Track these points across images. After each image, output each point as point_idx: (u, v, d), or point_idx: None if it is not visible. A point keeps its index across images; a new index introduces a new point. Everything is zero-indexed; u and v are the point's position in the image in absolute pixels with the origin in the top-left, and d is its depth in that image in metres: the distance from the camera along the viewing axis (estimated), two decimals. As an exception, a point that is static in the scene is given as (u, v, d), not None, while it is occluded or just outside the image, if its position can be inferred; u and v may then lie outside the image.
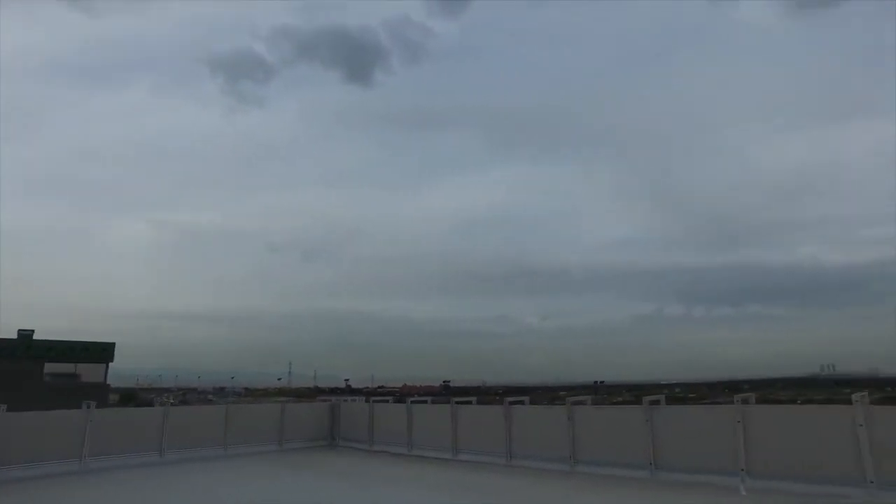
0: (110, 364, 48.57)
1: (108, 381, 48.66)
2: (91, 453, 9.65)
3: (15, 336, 45.72)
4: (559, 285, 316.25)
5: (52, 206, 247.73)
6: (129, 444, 10.42)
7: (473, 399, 12.01)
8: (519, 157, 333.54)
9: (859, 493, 6.42)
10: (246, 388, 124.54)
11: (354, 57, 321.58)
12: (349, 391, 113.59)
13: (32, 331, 46.23)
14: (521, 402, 10.79)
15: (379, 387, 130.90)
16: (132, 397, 59.23)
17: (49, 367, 45.71)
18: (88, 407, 9.89)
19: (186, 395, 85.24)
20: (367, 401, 14.44)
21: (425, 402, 12.82)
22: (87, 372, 46.70)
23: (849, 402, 7.03)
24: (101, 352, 48.57)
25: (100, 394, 38.44)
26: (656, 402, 8.74)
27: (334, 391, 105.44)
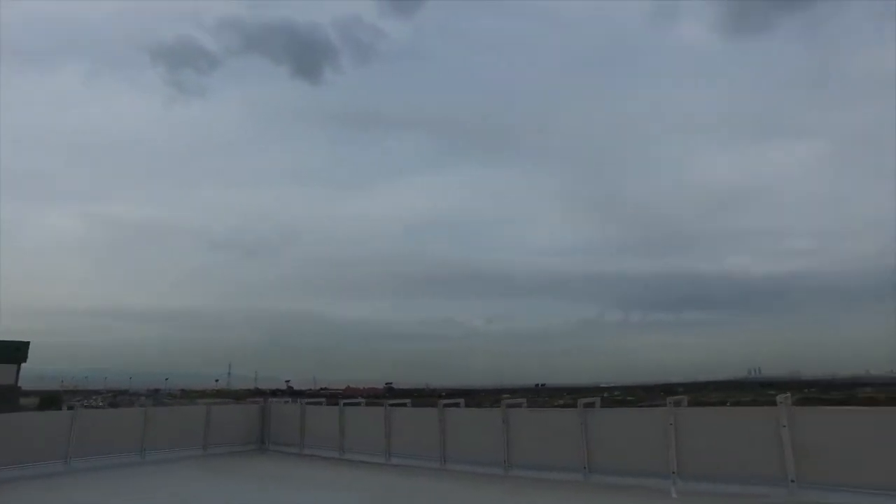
0: (26, 365, 45.27)
1: (19, 384, 45.32)
2: None
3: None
4: (504, 289, 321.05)
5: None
6: (29, 453, 9.53)
7: (408, 401, 11.68)
8: (467, 161, 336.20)
9: (781, 493, 6.55)
10: (182, 390, 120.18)
11: (303, 53, 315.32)
12: (290, 393, 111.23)
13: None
14: (457, 405, 10.56)
15: (321, 388, 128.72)
16: (55, 400, 55.63)
17: (-51, 369, 42.19)
18: None
19: (117, 398, 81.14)
20: (294, 401, 13.80)
21: (359, 404, 12.34)
22: (-5, 373, 43.30)
23: (773, 403, 7.17)
24: (14, 351, 45.27)
25: (9, 397, 35.76)
26: (591, 405, 8.70)
27: (275, 393, 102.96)
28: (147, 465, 10.50)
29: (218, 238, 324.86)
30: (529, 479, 8.55)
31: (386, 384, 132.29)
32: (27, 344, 44.99)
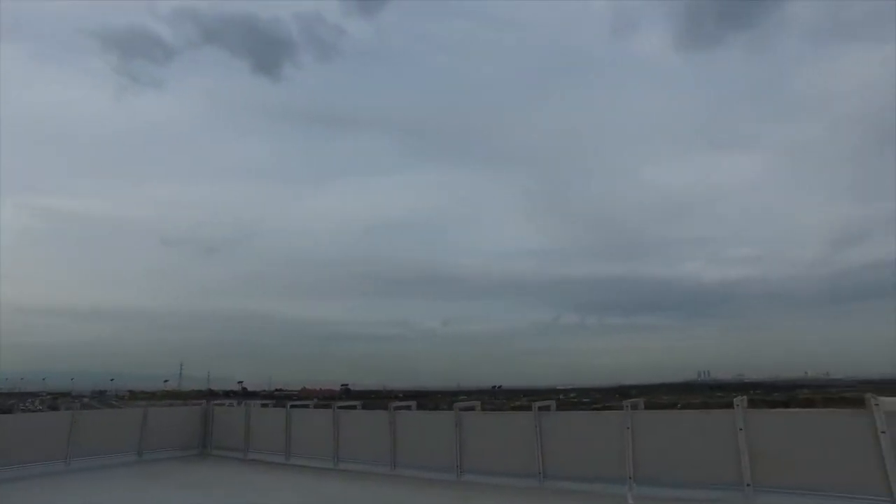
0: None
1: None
2: None
3: None
4: (461, 291, 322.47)
5: None
6: None
7: (358, 404, 11.40)
8: (427, 163, 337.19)
9: (737, 497, 6.59)
10: (130, 391, 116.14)
11: (264, 48, 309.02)
12: (244, 394, 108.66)
13: None
14: (408, 408, 10.39)
15: (277, 390, 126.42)
16: (-14, 404, 52.55)
17: None
18: None
19: (57, 400, 77.32)
20: (239, 404, 13.31)
21: (307, 406, 12.00)
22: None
23: (724, 405, 7.24)
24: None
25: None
26: (546, 408, 8.54)
27: (228, 394, 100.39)
28: (72, 473, 9.77)
29: (171, 235, 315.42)
30: (482, 484, 8.36)
31: (342, 385, 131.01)
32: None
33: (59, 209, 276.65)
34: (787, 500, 6.31)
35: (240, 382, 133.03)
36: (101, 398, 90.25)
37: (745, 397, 6.89)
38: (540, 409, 8.45)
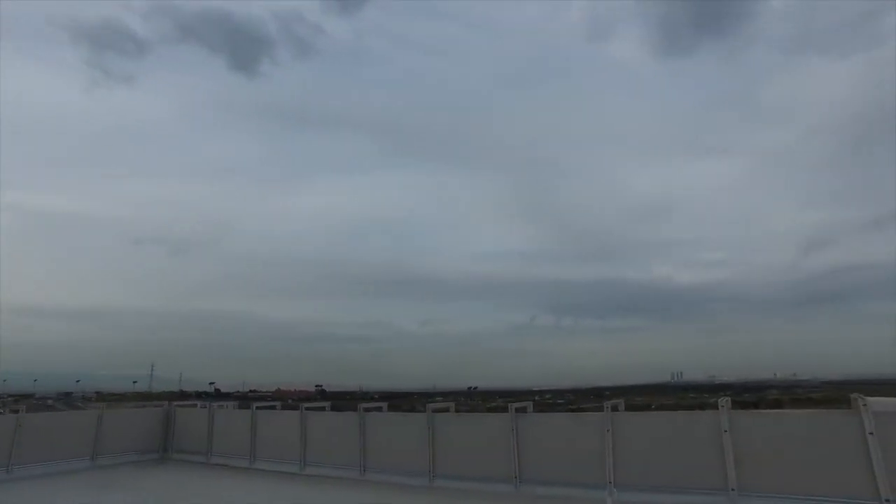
0: None
1: None
2: None
3: None
4: (438, 292, 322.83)
5: None
6: None
7: (327, 405, 10.96)
8: (404, 164, 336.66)
9: (722, 502, 6.38)
10: (98, 393, 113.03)
11: (241, 45, 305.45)
12: (217, 396, 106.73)
13: None
14: (379, 409, 10.00)
15: (251, 391, 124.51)
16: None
17: None
18: None
19: (18, 403, 74.66)
20: (203, 405, 12.71)
21: (273, 407, 11.50)
22: None
23: (702, 406, 7.01)
24: None
25: None
26: (523, 410, 8.24)
27: (200, 395, 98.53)
28: (13, 482, 9.07)
29: (143, 233, 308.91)
30: (456, 490, 8.02)
31: (317, 387, 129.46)
32: None
33: (25, 205, 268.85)
34: None
35: (212, 384, 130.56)
36: (67, 400, 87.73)
37: (729, 398, 6.66)
38: (517, 410, 8.13)
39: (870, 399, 5.85)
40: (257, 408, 11.00)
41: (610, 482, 7.07)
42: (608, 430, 7.27)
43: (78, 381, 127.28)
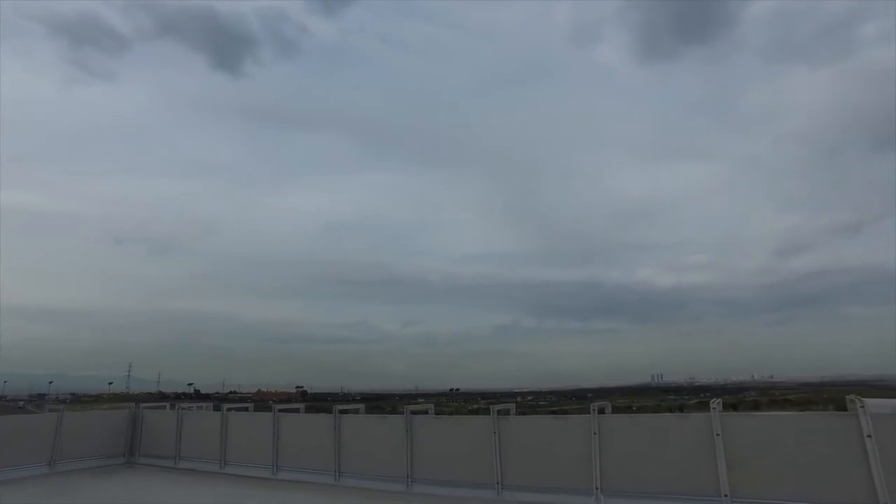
0: None
1: None
2: None
3: None
4: (421, 293, 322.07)
5: None
6: None
7: (301, 407, 10.56)
8: (388, 164, 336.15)
9: None
10: (72, 394, 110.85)
11: (223, 43, 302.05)
12: (196, 397, 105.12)
13: None
14: (356, 411, 9.61)
15: (231, 392, 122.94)
16: None
17: None
18: None
19: (-11, 403, 73.11)
20: (173, 407, 12.13)
21: (246, 409, 11.05)
22: None
23: (681, 408, 6.75)
24: None
25: None
26: (505, 412, 7.91)
27: (179, 397, 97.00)
28: None
29: (122, 232, 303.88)
30: (434, 496, 7.68)
31: (297, 388, 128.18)
32: None
33: (1, 203, 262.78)
34: None
35: (190, 384, 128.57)
36: (40, 402, 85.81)
37: (720, 400, 6.39)
38: (499, 412, 7.78)
39: (867, 401, 5.61)
40: (228, 409, 10.53)
41: (597, 488, 6.76)
42: (595, 434, 6.97)
43: (51, 383, 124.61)
